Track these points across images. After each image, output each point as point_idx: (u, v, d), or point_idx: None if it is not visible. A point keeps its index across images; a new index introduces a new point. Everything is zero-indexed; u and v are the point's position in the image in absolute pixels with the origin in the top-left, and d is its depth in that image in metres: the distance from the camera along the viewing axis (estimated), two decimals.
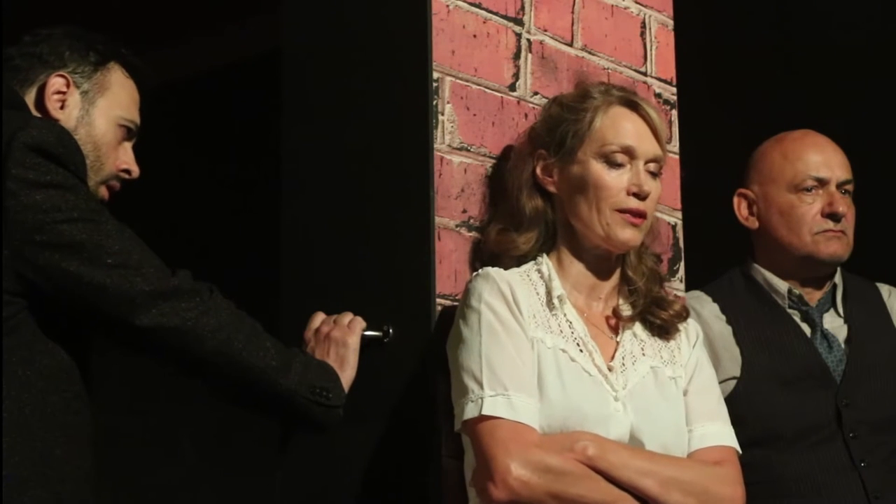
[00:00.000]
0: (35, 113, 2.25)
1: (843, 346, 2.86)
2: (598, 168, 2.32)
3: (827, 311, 2.91)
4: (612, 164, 2.32)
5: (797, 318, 2.89)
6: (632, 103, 2.37)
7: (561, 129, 2.36)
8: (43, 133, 2.09)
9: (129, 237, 2.13)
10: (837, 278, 2.94)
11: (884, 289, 3.00)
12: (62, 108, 2.28)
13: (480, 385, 2.18)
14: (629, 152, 2.33)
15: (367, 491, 2.44)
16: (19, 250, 2.05)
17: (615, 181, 2.31)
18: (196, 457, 5.11)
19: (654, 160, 2.35)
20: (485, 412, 2.16)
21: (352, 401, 2.30)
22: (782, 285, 2.91)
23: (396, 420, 2.41)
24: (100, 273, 2.07)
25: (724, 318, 2.88)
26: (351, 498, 2.45)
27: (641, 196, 2.31)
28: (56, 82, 2.28)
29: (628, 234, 2.31)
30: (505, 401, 2.17)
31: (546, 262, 2.36)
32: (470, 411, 2.18)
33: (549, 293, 2.32)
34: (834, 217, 2.87)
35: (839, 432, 2.77)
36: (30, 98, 2.27)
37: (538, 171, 2.38)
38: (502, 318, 2.24)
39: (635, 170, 2.32)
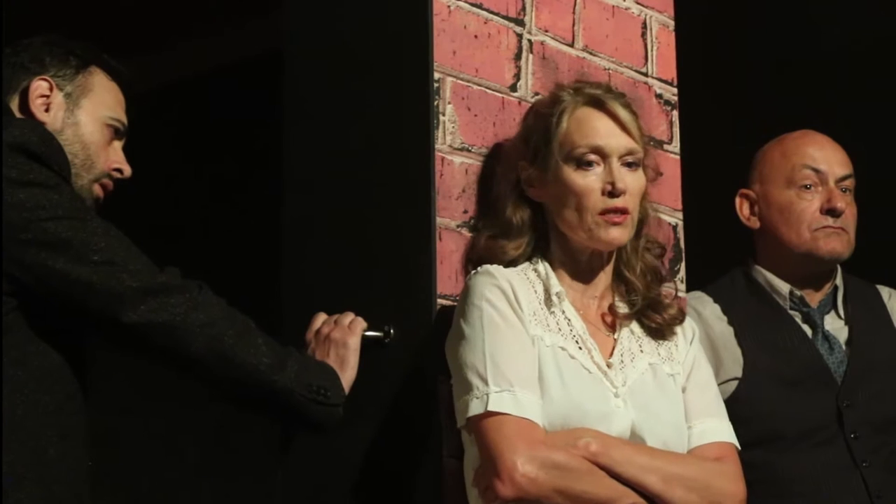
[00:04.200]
0: (20, 117, 2.26)
1: (844, 347, 2.87)
2: (570, 173, 2.31)
3: (828, 312, 2.91)
4: (584, 166, 2.31)
5: (798, 320, 2.89)
6: (597, 101, 2.34)
7: (534, 138, 2.36)
8: (25, 133, 2.10)
9: (115, 235, 2.13)
10: (838, 280, 2.94)
11: (884, 291, 3.01)
12: (47, 110, 2.29)
13: (485, 381, 2.18)
14: (599, 152, 2.31)
15: (368, 491, 2.44)
16: (6, 249, 2.05)
17: (590, 184, 2.30)
18: (196, 457, 5.12)
19: (628, 153, 2.33)
20: (490, 408, 2.16)
21: (353, 401, 2.30)
22: (784, 286, 2.91)
23: (397, 420, 2.41)
24: (86, 270, 2.08)
25: (725, 318, 2.88)
26: (351, 498, 2.45)
27: (616, 193, 2.29)
28: (39, 86, 2.29)
29: (613, 234, 2.31)
30: (510, 397, 2.17)
31: (542, 262, 2.36)
32: (475, 408, 2.18)
33: (546, 291, 2.32)
34: (833, 213, 2.87)
35: (841, 433, 2.77)
36: (13, 104, 2.28)
37: (522, 181, 2.37)
38: (504, 314, 2.24)
39: (608, 168, 2.31)
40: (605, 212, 2.29)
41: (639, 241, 2.40)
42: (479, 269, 2.32)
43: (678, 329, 2.41)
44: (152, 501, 5.06)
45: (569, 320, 2.31)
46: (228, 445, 4.94)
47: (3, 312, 2.07)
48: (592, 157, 2.31)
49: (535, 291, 2.32)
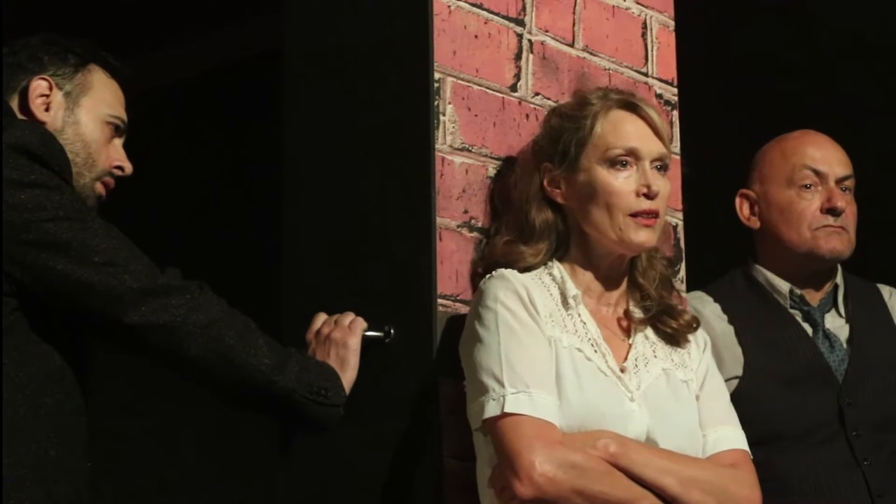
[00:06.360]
0: (20, 117, 2.26)
1: (844, 345, 2.87)
2: (604, 174, 2.32)
3: (828, 311, 2.91)
4: (618, 167, 2.32)
5: (799, 318, 2.89)
6: (631, 105, 2.37)
7: (563, 139, 2.36)
8: (26, 134, 2.10)
9: (116, 236, 2.13)
10: (839, 279, 2.94)
11: (884, 289, 3.01)
12: (47, 110, 2.29)
13: (501, 383, 2.18)
14: (634, 154, 2.33)
15: (368, 492, 2.44)
16: (6, 250, 2.05)
17: (623, 185, 2.31)
18: (196, 457, 5.12)
19: (659, 159, 2.35)
20: (507, 409, 2.16)
21: (353, 402, 2.30)
22: (784, 285, 2.91)
23: (398, 421, 2.41)
24: (87, 271, 2.08)
25: (725, 318, 2.88)
26: (351, 498, 2.45)
27: (651, 196, 2.31)
28: (38, 85, 2.29)
29: (643, 237, 2.32)
30: (527, 398, 2.17)
31: (557, 266, 2.36)
32: (491, 409, 2.18)
33: (563, 294, 2.32)
34: (833, 212, 2.87)
35: (842, 431, 2.77)
36: (13, 104, 2.28)
37: (545, 183, 2.38)
38: (519, 317, 2.24)
39: (642, 170, 2.32)
40: (636, 213, 2.31)
41: (654, 251, 2.41)
42: (493, 273, 2.32)
43: (691, 337, 2.41)
44: (152, 501, 5.06)
45: (584, 323, 2.32)
46: (228, 445, 4.94)
47: (4, 314, 2.06)
48: (627, 158, 2.32)
49: (551, 294, 2.32)
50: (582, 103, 2.39)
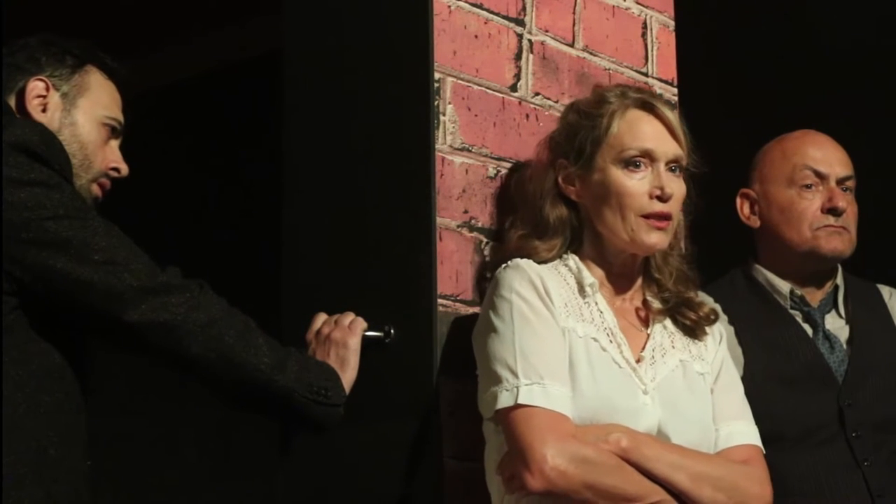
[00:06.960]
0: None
1: (844, 346, 2.87)
2: (618, 174, 2.32)
3: (829, 311, 2.91)
4: (632, 168, 2.31)
5: (799, 319, 2.89)
6: (648, 105, 2.36)
7: (579, 136, 2.36)
8: (26, 132, 2.10)
9: (116, 234, 2.13)
10: (839, 279, 2.94)
11: (884, 290, 3.01)
12: (44, 111, 2.29)
13: (515, 374, 2.19)
14: (649, 155, 2.32)
15: (368, 492, 2.44)
16: (6, 249, 2.05)
17: (637, 186, 2.31)
18: (196, 457, 5.12)
19: (675, 160, 2.35)
20: (521, 401, 2.17)
21: (353, 402, 2.30)
22: (784, 286, 2.91)
23: (397, 421, 2.42)
24: (87, 270, 2.08)
25: (725, 318, 2.87)
26: (352, 499, 2.46)
27: (664, 198, 2.31)
28: (35, 86, 2.29)
29: (654, 239, 2.32)
30: (541, 389, 2.17)
31: (573, 258, 2.36)
32: (504, 400, 2.18)
33: (579, 283, 2.32)
34: (834, 212, 2.87)
35: (842, 432, 2.77)
36: (10, 105, 2.27)
37: (560, 180, 2.37)
38: (534, 307, 2.24)
39: (656, 172, 2.32)
40: (648, 215, 2.30)
41: (669, 248, 2.41)
42: (508, 262, 2.32)
43: (708, 329, 2.42)
44: (152, 501, 5.06)
45: (601, 312, 2.32)
46: (228, 445, 4.94)
47: (4, 312, 2.07)
48: (642, 159, 2.32)
49: (567, 283, 2.32)
50: (599, 101, 2.38)
